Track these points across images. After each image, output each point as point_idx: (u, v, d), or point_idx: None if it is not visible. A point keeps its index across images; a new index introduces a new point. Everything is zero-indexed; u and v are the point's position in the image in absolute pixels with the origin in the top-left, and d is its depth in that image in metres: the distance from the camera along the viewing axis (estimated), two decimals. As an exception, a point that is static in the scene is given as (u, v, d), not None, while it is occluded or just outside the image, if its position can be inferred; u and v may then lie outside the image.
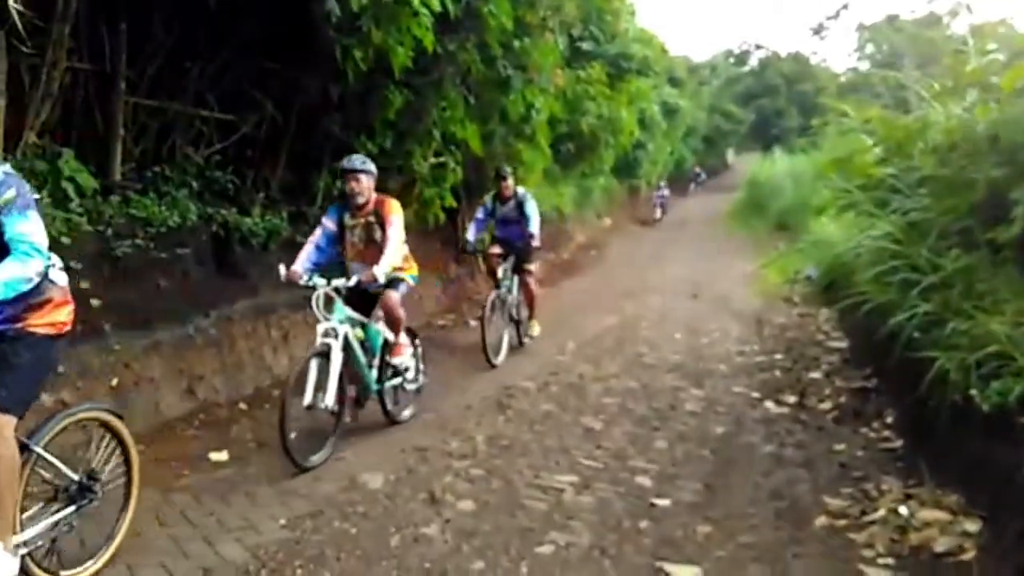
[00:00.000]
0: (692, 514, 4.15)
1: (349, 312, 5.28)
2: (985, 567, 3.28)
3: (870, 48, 37.67)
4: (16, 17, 4.86)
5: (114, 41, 6.26)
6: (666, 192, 30.62)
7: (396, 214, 5.48)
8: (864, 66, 35.44)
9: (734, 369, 7.58)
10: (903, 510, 3.86)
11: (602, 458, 5.08)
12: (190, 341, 6.30)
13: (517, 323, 8.58)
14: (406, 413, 6.10)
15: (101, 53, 6.27)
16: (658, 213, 29.35)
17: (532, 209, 8.04)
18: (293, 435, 4.73)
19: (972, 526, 3.54)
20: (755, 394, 6.55)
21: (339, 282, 5.16)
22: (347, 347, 5.19)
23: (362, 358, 5.48)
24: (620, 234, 23.48)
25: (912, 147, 5.91)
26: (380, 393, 5.80)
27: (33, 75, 5.76)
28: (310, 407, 4.82)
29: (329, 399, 4.92)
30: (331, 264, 5.74)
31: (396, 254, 5.36)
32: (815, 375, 6.96)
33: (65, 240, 5.52)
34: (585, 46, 16.15)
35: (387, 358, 5.81)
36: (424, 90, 8.63)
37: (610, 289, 13.79)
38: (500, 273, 7.96)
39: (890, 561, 3.49)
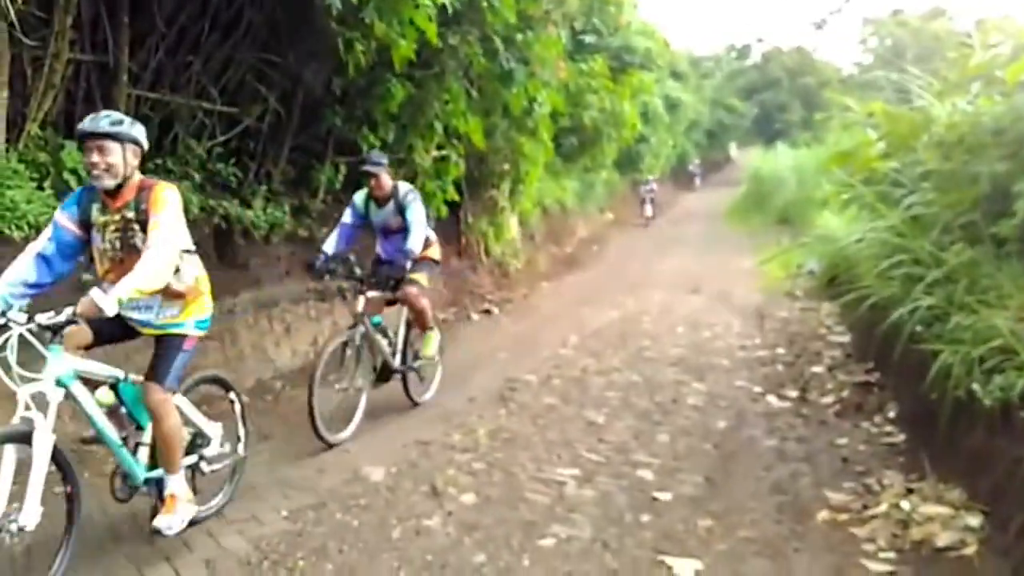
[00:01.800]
0: (693, 508, 4.15)
1: (74, 363, 3.42)
2: (986, 562, 3.28)
3: (874, 42, 37.60)
4: (14, 9, 4.85)
5: (116, 33, 6.25)
6: (655, 186, 26.46)
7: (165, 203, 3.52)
8: (868, 60, 35.34)
9: (736, 363, 7.57)
10: (905, 504, 3.86)
11: (604, 451, 5.08)
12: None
13: (400, 374, 6.09)
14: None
15: (103, 45, 6.26)
16: (648, 210, 25.40)
17: (415, 214, 5.79)
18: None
19: (974, 521, 3.54)
20: (757, 388, 6.55)
21: (44, 317, 3.21)
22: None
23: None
24: (622, 228, 23.46)
25: (916, 141, 5.89)
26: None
27: (35, 66, 5.75)
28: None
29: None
30: None
31: (166, 259, 3.43)
32: (817, 369, 6.96)
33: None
34: (588, 39, 16.12)
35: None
36: (426, 83, 8.62)
37: (612, 283, 13.78)
38: (360, 304, 5.56)
39: (892, 555, 3.49)
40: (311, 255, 6.19)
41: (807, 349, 7.83)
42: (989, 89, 5.50)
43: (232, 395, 4.35)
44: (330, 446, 5.13)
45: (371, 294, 5.69)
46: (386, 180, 5.89)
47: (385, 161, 5.89)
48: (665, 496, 4.31)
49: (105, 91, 6.34)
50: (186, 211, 6.37)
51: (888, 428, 5.20)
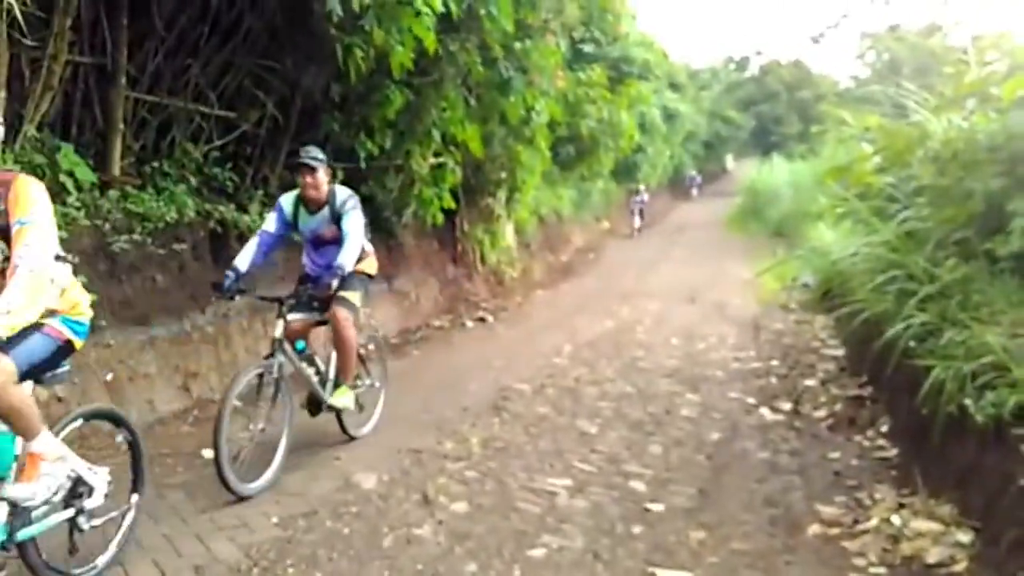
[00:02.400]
0: (686, 520, 4.14)
1: None
2: (977, 578, 3.28)
3: (871, 56, 37.74)
4: (17, 10, 4.85)
5: (115, 35, 6.26)
6: (645, 197, 26.23)
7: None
8: (865, 74, 35.48)
9: (730, 375, 7.57)
10: (896, 519, 3.86)
11: (596, 462, 5.08)
12: (186, 337, 6.31)
13: (332, 407, 5.27)
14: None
15: (102, 47, 6.27)
16: (636, 221, 25.15)
17: (352, 224, 5.01)
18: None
19: (965, 537, 3.54)
20: (750, 400, 6.55)
21: None
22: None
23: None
24: (618, 237, 23.49)
25: (911, 156, 5.91)
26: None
27: (33, 68, 5.76)
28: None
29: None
30: None
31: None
32: (811, 382, 6.96)
33: (62, 234, 5.48)
34: (586, 48, 16.22)
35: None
36: (424, 90, 8.64)
37: (607, 293, 13.79)
38: (278, 328, 4.73)
39: (882, 570, 3.49)
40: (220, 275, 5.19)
41: (801, 362, 7.84)
42: (984, 106, 5.53)
43: (124, 433, 3.62)
44: (241, 498, 4.32)
45: (293, 317, 4.89)
46: (323, 181, 5.04)
47: (323, 158, 5.08)
48: (657, 507, 4.30)
49: (103, 93, 6.35)
50: (182, 214, 6.46)
51: (880, 442, 5.20)
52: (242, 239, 7.16)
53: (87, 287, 5.50)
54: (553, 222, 18.43)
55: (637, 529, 4.02)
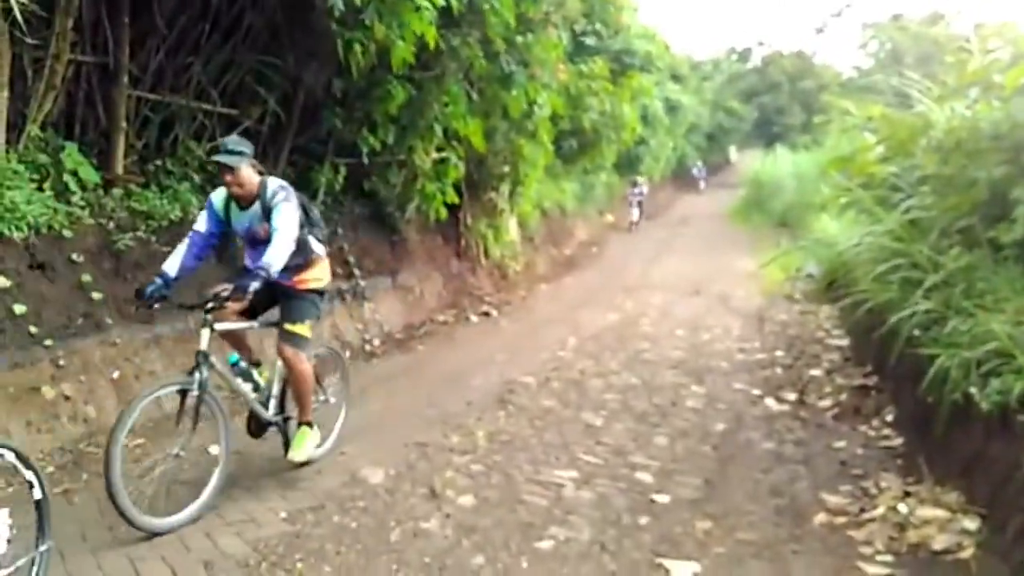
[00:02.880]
0: (692, 510, 4.15)
1: None
2: (983, 565, 3.29)
3: (874, 46, 37.64)
4: (17, 10, 4.87)
5: (117, 34, 6.27)
6: (644, 189, 24.93)
7: None
8: (867, 64, 35.36)
9: (735, 366, 7.58)
10: (902, 508, 3.87)
11: (602, 454, 5.09)
12: (191, 335, 6.30)
13: (278, 426, 4.79)
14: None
15: (104, 46, 6.28)
16: (635, 215, 24.09)
17: (282, 219, 4.31)
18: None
19: (971, 524, 3.55)
20: (756, 391, 6.55)
21: None
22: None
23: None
24: (621, 231, 23.45)
25: (914, 145, 5.90)
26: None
27: (36, 67, 5.77)
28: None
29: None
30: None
31: None
32: (815, 372, 6.97)
33: (67, 233, 5.54)
34: (588, 41, 16.17)
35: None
36: (426, 85, 8.64)
37: (611, 285, 13.78)
38: (203, 339, 4.15)
39: (888, 558, 3.50)
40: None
41: (806, 352, 7.84)
42: (987, 94, 5.51)
43: (28, 473, 3.09)
44: (152, 535, 3.79)
45: (223, 326, 4.35)
46: (247, 176, 4.37)
47: (246, 150, 4.39)
48: (663, 498, 4.31)
49: (105, 92, 6.37)
50: (186, 212, 6.47)
51: (886, 431, 5.20)
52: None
53: (92, 285, 5.56)
54: (556, 216, 18.41)
55: (643, 520, 4.03)
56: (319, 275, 4.74)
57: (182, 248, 4.45)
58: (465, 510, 4.19)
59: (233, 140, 4.45)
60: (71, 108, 6.25)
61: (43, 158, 5.75)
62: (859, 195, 6.63)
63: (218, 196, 4.56)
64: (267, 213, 4.39)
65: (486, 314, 10.77)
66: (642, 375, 7.24)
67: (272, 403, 4.72)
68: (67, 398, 5.16)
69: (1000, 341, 3.88)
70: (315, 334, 4.82)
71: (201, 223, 4.53)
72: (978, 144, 5.03)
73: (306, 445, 4.67)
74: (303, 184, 8.30)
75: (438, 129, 9.15)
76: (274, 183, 4.48)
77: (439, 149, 9.77)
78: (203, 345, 4.13)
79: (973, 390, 3.89)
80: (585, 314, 10.73)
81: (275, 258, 4.20)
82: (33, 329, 5.09)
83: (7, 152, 5.49)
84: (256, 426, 4.70)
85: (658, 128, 25.64)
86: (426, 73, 8.52)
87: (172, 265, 4.38)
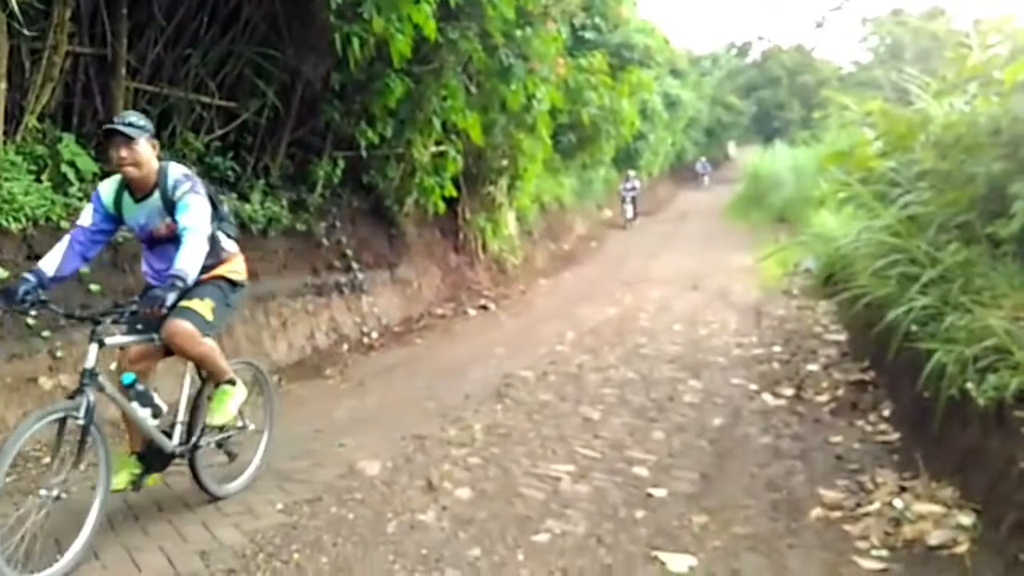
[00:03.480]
0: (688, 504, 4.16)
1: None
2: (978, 560, 3.29)
3: (873, 41, 37.59)
4: (14, 1, 4.85)
5: (115, 25, 6.25)
6: (637, 184, 23.98)
7: None
8: (867, 59, 35.37)
9: (732, 361, 7.58)
10: (898, 503, 3.87)
11: (599, 448, 5.10)
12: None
13: (185, 457, 4.00)
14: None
15: (102, 37, 6.27)
16: (629, 212, 23.31)
17: (192, 215, 3.66)
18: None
19: (966, 519, 3.55)
20: (753, 386, 6.56)
21: None
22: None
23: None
24: (619, 226, 23.44)
25: (913, 140, 5.90)
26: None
27: (34, 59, 5.76)
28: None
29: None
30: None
31: None
32: (813, 367, 6.97)
33: (65, 224, 5.53)
34: (587, 35, 16.16)
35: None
36: (425, 78, 8.63)
37: (610, 280, 13.79)
38: (90, 356, 3.48)
39: (884, 553, 3.50)
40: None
41: (803, 347, 7.85)
42: (986, 90, 5.51)
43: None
44: None
45: (116, 340, 3.68)
46: (146, 155, 3.67)
47: (147, 125, 3.71)
48: (660, 492, 4.32)
49: (103, 84, 6.35)
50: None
51: (882, 426, 5.21)
52: (244, 228, 7.18)
53: (89, 277, 5.55)
54: (555, 210, 18.41)
55: (640, 514, 4.04)
56: (233, 268, 4.09)
57: (62, 245, 3.71)
58: (462, 502, 4.19)
59: (133, 114, 3.79)
60: (69, 99, 6.23)
61: (41, 149, 5.74)
62: (857, 190, 6.64)
63: (107, 187, 3.84)
64: (169, 207, 3.71)
65: (484, 308, 10.78)
66: (640, 369, 7.25)
67: (178, 430, 3.95)
68: (64, 389, 5.15)
69: (997, 337, 3.88)
70: (226, 339, 4.41)
71: (86, 217, 3.79)
72: (976, 139, 5.03)
73: (228, 405, 3.97)
74: (301, 177, 8.31)
75: (436, 123, 9.16)
76: (176, 170, 3.78)
77: (437, 143, 9.77)
78: (90, 363, 3.43)
79: (970, 385, 3.89)
80: (583, 308, 10.74)
81: (190, 263, 3.56)
82: (30, 321, 5.09)
83: (5, 143, 5.48)
84: (158, 459, 3.88)
85: (657, 123, 25.63)
86: (425, 66, 8.51)
87: (50, 263, 3.64)
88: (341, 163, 8.59)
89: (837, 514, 3.94)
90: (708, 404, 6.13)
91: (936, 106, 5.86)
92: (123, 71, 6.37)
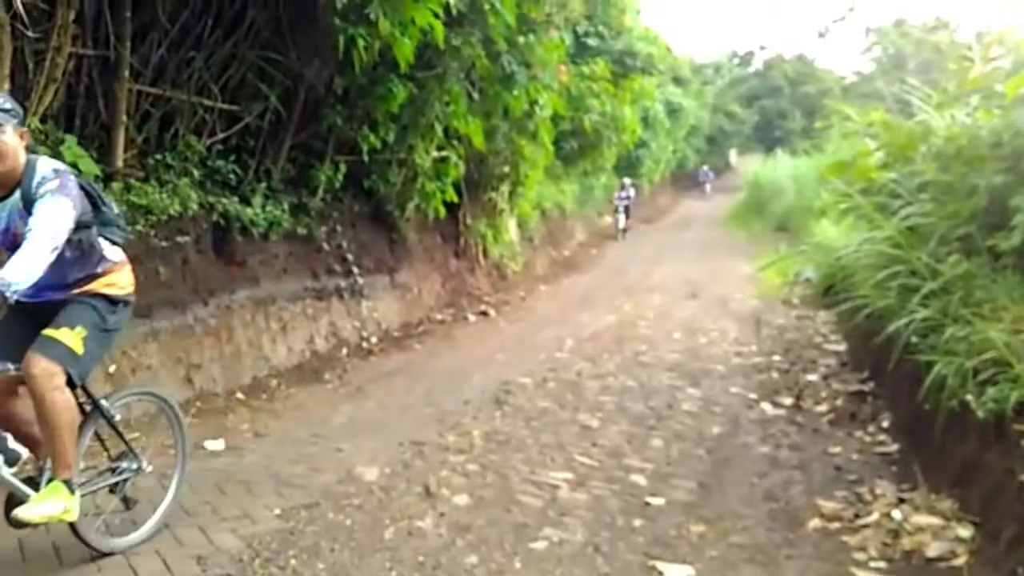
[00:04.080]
0: (686, 513, 4.15)
1: None
2: (976, 573, 3.29)
3: (876, 52, 37.69)
4: (19, 2, 4.86)
5: (118, 28, 6.25)
6: (631, 192, 22.88)
7: None
8: (869, 69, 35.43)
9: (731, 370, 7.58)
10: (896, 514, 3.87)
11: (598, 456, 5.09)
12: (189, 330, 6.32)
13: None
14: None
15: (105, 39, 6.26)
16: (622, 221, 22.15)
17: (44, 216, 3.02)
18: None
19: (964, 532, 3.55)
20: (752, 395, 6.56)
21: None
22: None
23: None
24: (614, 236, 23.44)
25: (914, 152, 5.91)
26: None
27: (37, 60, 5.75)
28: None
29: None
30: None
31: None
32: (812, 377, 6.97)
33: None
34: (590, 42, 16.19)
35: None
36: (428, 84, 8.65)
37: (610, 287, 13.79)
38: None
39: (882, 565, 3.50)
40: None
41: (802, 357, 7.84)
42: (988, 102, 5.52)
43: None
44: None
45: None
46: (11, 146, 3.10)
47: (15, 110, 3.17)
48: (658, 501, 4.31)
49: (106, 86, 6.35)
50: (185, 207, 6.47)
51: (881, 437, 5.21)
52: (245, 232, 7.20)
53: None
54: (556, 217, 18.43)
55: (638, 522, 4.03)
56: (116, 283, 3.46)
57: None
58: (460, 509, 4.18)
59: (2, 95, 3.21)
60: (72, 101, 6.23)
61: (43, 151, 5.73)
62: (858, 201, 6.64)
63: None
64: (29, 207, 3.09)
65: (484, 314, 10.78)
66: (639, 377, 7.24)
67: (47, 475, 3.26)
68: (63, 391, 5.15)
69: (997, 349, 3.88)
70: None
71: None
72: (978, 151, 5.04)
73: (48, 504, 3.10)
74: (303, 180, 8.31)
75: (439, 128, 9.17)
76: (45, 166, 3.17)
77: (439, 148, 9.78)
78: None
79: (969, 398, 3.89)
80: (583, 315, 10.74)
81: (20, 271, 2.87)
82: (30, 322, 5.07)
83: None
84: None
85: (659, 130, 25.66)
86: (427, 72, 8.53)
87: None
88: (343, 167, 8.60)
89: (835, 525, 3.94)
90: (707, 413, 6.13)
91: (938, 118, 5.86)
92: (126, 73, 6.37)
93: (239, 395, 6.35)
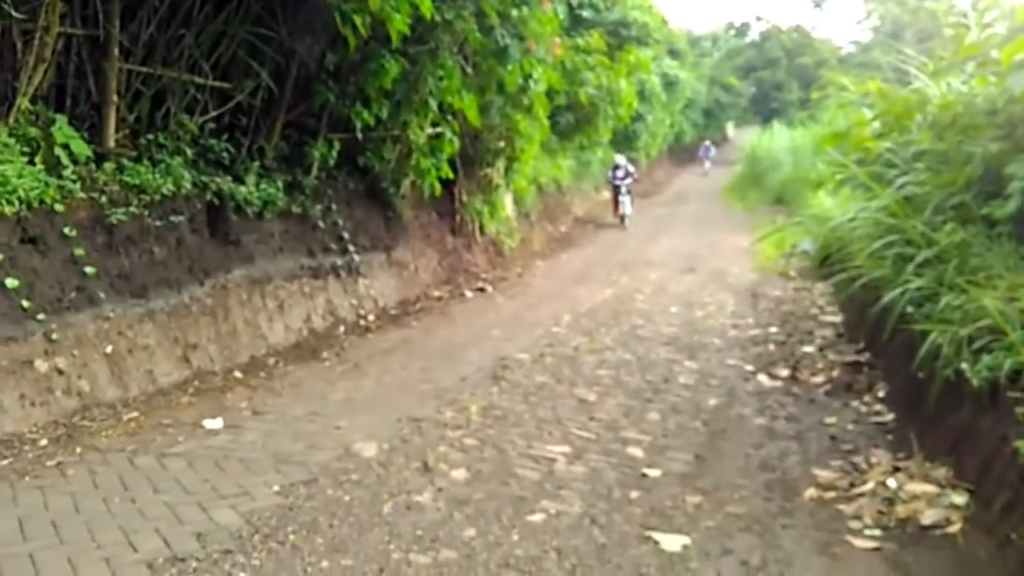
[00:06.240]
0: (682, 485, 4.18)
1: None
2: (970, 540, 3.32)
3: (873, 21, 37.41)
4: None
5: (107, 6, 6.19)
6: (631, 168, 19.58)
7: None
8: (866, 38, 35.21)
9: (728, 342, 7.60)
10: (891, 482, 3.90)
11: (595, 429, 5.11)
12: (185, 309, 6.32)
13: None
14: None
15: (94, 18, 6.20)
16: (627, 205, 19.09)
17: None
18: None
19: (959, 499, 3.58)
20: (748, 367, 6.58)
21: None
22: None
23: None
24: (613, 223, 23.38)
25: (910, 121, 5.89)
26: None
27: (26, 40, 5.71)
28: None
29: None
30: None
31: None
32: (808, 349, 6.99)
33: (59, 207, 5.51)
34: (585, 13, 16.04)
35: None
36: (420, 59, 8.56)
37: (607, 261, 13.78)
38: None
39: (877, 532, 3.53)
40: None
41: (799, 329, 7.86)
42: (984, 69, 5.49)
43: None
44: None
45: None
46: None
47: None
48: (654, 473, 4.34)
49: (96, 65, 6.30)
50: (179, 186, 6.45)
51: (877, 407, 5.23)
52: (239, 211, 7.18)
53: (85, 259, 5.54)
54: (552, 192, 18.35)
55: (634, 494, 4.06)
56: None
57: None
58: (458, 484, 4.21)
59: None
60: (62, 81, 6.18)
61: (34, 132, 5.70)
62: (854, 171, 6.62)
63: None
64: None
65: (481, 290, 10.77)
66: (636, 351, 7.26)
67: None
68: (60, 372, 5.16)
69: (992, 317, 3.89)
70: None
71: None
72: (973, 120, 5.03)
73: None
74: (297, 158, 8.27)
75: (433, 104, 9.09)
76: None
77: (434, 124, 9.71)
78: None
79: (964, 366, 3.91)
80: (580, 290, 10.74)
81: None
82: (25, 303, 5.08)
83: (-3, 125, 5.44)
84: None
85: (655, 104, 25.45)
86: (420, 47, 8.44)
87: None
88: (337, 145, 8.55)
89: (831, 494, 3.97)
90: (703, 385, 6.15)
91: (933, 86, 5.83)
92: (116, 52, 6.31)
93: (237, 374, 6.36)
